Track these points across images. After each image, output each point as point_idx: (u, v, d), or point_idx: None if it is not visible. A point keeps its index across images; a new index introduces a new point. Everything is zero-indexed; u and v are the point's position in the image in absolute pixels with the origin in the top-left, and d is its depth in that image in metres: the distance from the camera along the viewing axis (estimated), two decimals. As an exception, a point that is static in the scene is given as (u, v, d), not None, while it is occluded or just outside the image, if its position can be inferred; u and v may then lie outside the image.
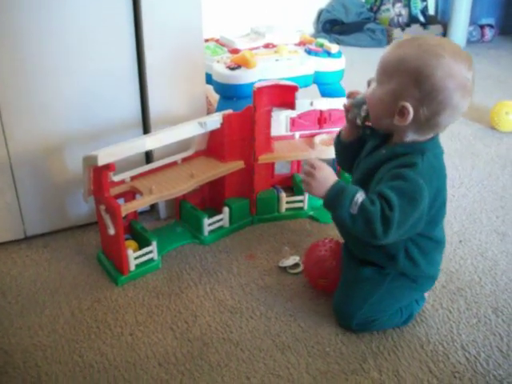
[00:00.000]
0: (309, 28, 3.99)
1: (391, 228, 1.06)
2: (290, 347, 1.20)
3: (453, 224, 1.63)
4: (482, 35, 3.84)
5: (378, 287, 1.21)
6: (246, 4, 3.59)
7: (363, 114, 1.18)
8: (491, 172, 1.99)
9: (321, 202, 1.42)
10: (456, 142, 2.23)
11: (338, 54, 1.89)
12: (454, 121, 1.11)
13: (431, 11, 4.05)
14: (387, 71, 1.11)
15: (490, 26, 3.88)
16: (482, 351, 1.19)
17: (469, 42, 3.75)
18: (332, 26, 3.90)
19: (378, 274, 1.22)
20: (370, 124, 1.21)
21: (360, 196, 1.07)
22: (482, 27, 3.84)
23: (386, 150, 1.17)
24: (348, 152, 1.30)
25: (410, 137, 1.13)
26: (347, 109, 1.23)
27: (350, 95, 1.25)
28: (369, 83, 1.17)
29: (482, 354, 1.19)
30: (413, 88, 1.07)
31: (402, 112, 1.09)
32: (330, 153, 1.60)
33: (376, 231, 1.06)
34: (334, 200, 1.09)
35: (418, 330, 1.25)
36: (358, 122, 1.20)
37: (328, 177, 1.11)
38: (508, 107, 2.29)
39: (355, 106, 1.20)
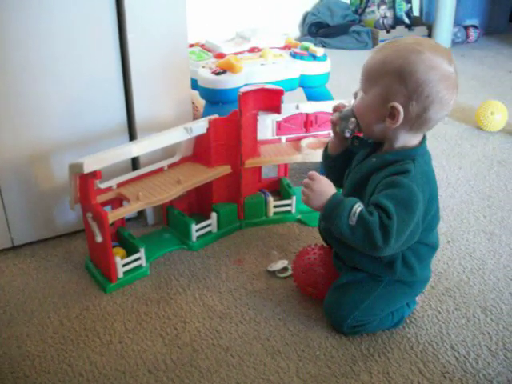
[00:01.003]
0: (294, 31, 4.00)
1: (391, 237, 1.06)
2: (279, 351, 1.20)
3: (440, 225, 1.62)
4: (467, 36, 3.85)
5: (372, 292, 1.21)
6: (231, 8, 3.59)
7: (351, 126, 1.19)
8: (478, 172, 1.99)
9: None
10: (442, 142, 2.23)
11: (324, 57, 1.89)
12: (444, 116, 1.12)
13: (416, 13, 4.07)
14: (371, 77, 1.12)
15: (475, 26, 3.90)
16: (472, 351, 1.20)
17: (454, 43, 3.77)
18: (318, 29, 3.90)
19: (372, 279, 1.22)
20: (358, 134, 1.21)
21: (358, 207, 1.08)
22: (466, 28, 3.86)
23: (377, 158, 1.17)
24: (337, 164, 1.30)
25: (402, 140, 1.14)
26: (334, 123, 1.24)
27: (336, 109, 1.25)
28: (355, 95, 1.18)
29: (471, 353, 1.19)
30: (399, 87, 1.08)
31: (393, 113, 1.09)
32: (317, 156, 1.61)
33: (376, 241, 1.06)
34: (332, 212, 1.10)
35: (408, 332, 1.25)
36: (347, 134, 1.21)
37: (326, 189, 1.13)
38: (493, 107, 2.31)
39: (343, 119, 1.21)
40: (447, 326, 1.27)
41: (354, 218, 1.07)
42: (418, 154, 1.14)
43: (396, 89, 1.08)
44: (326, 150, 1.33)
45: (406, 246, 1.13)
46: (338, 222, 1.08)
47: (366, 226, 1.06)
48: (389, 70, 1.08)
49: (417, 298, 1.31)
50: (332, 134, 1.28)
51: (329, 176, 1.33)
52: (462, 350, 1.20)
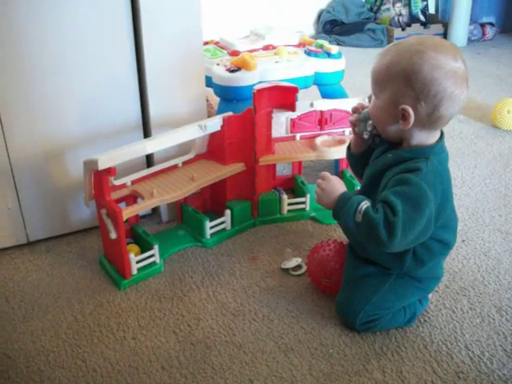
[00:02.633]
0: (309, 29, 3.99)
1: (396, 234, 1.06)
2: (292, 349, 1.20)
3: (455, 223, 1.63)
4: (483, 34, 3.83)
5: (382, 285, 1.21)
6: (245, 5, 3.59)
7: (369, 128, 1.21)
8: (493, 171, 1.98)
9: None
10: (458, 141, 2.22)
11: (338, 55, 1.88)
12: (456, 111, 1.12)
13: (432, 10, 4.04)
14: (379, 82, 1.13)
15: (491, 24, 3.87)
16: (486, 351, 1.19)
17: (470, 40, 3.75)
18: (332, 27, 3.89)
19: (381, 272, 1.23)
20: (377, 133, 1.23)
21: (364, 204, 1.11)
22: (482, 26, 3.83)
23: (393, 154, 1.18)
24: (361, 162, 1.30)
25: (417, 138, 1.14)
26: (354, 123, 1.26)
27: (355, 110, 1.27)
28: (369, 98, 1.20)
29: (485, 353, 1.18)
30: (406, 89, 1.08)
31: (404, 116, 1.10)
32: (331, 154, 1.61)
33: (380, 237, 1.07)
34: (340, 209, 1.15)
35: (422, 331, 1.25)
36: (365, 136, 1.23)
37: (336, 188, 1.18)
38: (510, 105, 2.28)
39: (361, 120, 1.23)
40: (461, 326, 1.26)
41: (359, 215, 1.10)
42: (433, 152, 1.14)
43: (404, 92, 1.09)
44: (349, 148, 1.34)
45: (417, 243, 1.14)
46: (345, 218, 1.13)
47: (369, 223, 1.09)
48: (394, 74, 1.09)
49: (430, 296, 1.31)
50: (353, 134, 1.30)
51: (354, 172, 1.38)
52: (476, 350, 1.19)
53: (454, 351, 1.19)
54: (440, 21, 3.94)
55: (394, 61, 1.10)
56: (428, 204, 1.08)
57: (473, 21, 3.75)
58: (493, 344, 1.20)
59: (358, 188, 1.37)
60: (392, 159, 1.16)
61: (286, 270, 1.44)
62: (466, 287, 1.38)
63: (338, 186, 1.18)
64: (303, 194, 1.66)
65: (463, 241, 1.56)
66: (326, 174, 1.20)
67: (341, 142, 1.66)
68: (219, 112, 1.67)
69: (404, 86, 1.08)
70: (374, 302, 1.21)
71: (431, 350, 1.19)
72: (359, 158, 1.31)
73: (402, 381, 1.12)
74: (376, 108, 1.16)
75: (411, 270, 1.20)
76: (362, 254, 1.25)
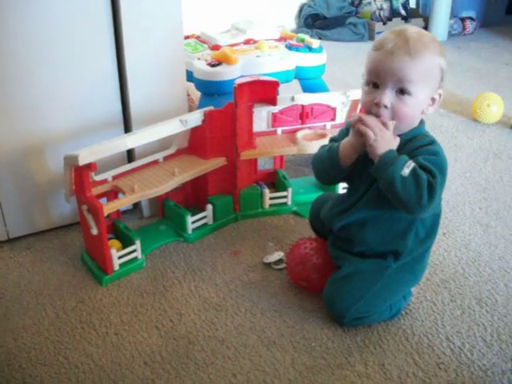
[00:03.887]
0: (290, 23, 3.99)
1: (435, 195, 1.10)
2: (275, 343, 1.21)
3: (436, 216, 1.64)
4: (464, 28, 3.85)
5: (377, 281, 1.22)
6: (226, 0, 3.58)
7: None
8: (474, 164, 2.00)
9: (304, 196, 1.42)
10: (439, 134, 2.23)
11: (319, 49, 1.89)
12: None
13: (412, 5, 4.05)
14: (419, 81, 1.13)
15: (471, 18, 3.89)
16: (467, 342, 1.20)
17: (450, 35, 3.77)
18: (314, 21, 3.90)
19: (376, 268, 1.23)
20: None
21: (412, 162, 1.11)
22: (463, 20, 3.85)
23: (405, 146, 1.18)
24: (345, 175, 1.27)
25: (417, 121, 1.20)
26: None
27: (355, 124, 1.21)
28: (383, 105, 1.13)
29: (466, 344, 1.19)
30: (440, 78, 1.16)
31: (434, 100, 1.18)
32: (313, 148, 1.61)
33: (422, 197, 1.09)
34: (390, 159, 1.11)
35: (403, 323, 1.26)
36: None
37: (392, 141, 1.14)
38: (489, 99, 2.31)
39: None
40: (442, 318, 1.27)
41: (407, 170, 1.09)
42: (424, 129, 1.21)
43: (438, 80, 1.16)
44: (337, 162, 1.24)
45: (434, 211, 1.18)
46: (393, 169, 1.09)
47: (417, 180, 1.09)
48: (433, 69, 1.15)
49: (412, 290, 1.32)
50: (348, 149, 1.21)
51: (327, 182, 1.40)
52: (457, 341, 1.20)
53: (435, 343, 1.20)
54: (421, 15, 3.95)
55: (429, 58, 1.13)
56: (447, 172, 1.15)
57: (453, 15, 3.78)
58: (473, 335, 1.22)
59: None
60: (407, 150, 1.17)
61: (268, 264, 1.44)
62: (447, 279, 1.39)
63: (393, 140, 1.14)
64: (285, 188, 1.66)
65: (444, 233, 1.57)
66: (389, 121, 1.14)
67: (322, 136, 1.66)
68: (200, 107, 1.67)
69: (440, 77, 1.16)
70: (367, 299, 1.21)
71: (412, 342, 1.21)
72: (347, 170, 1.24)
73: (384, 373, 1.13)
74: (413, 105, 1.15)
75: (412, 250, 1.22)
76: (357, 244, 1.25)
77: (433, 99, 1.17)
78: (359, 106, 1.61)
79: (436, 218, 1.24)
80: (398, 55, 1.11)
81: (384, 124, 1.12)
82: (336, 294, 1.24)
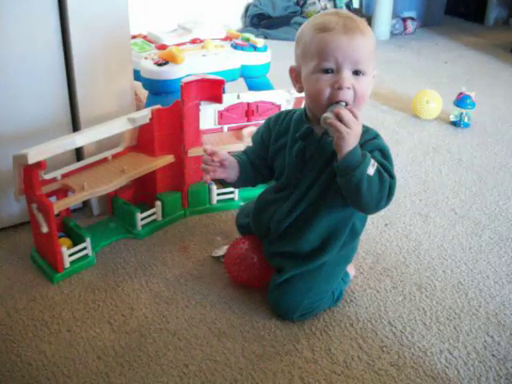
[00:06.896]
0: (237, 23, 4.02)
1: (392, 197, 1.12)
2: (225, 333, 1.24)
3: (379, 208, 1.70)
4: (405, 28, 3.95)
5: (315, 280, 1.25)
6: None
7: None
8: (414, 158, 2.07)
9: (251, 192, 1.45)
10: (381, 130, 2.22)
11: (264, 48, 1.93)
12: None
13: (356, 5, 4.14)
14: (370, 59, 1.13)
15: (412, 18, 4.00)
16: (408, 325, 1.26)
17: (392, 34, 3.86)
18: (260, 21, 3.94)
19: (315, 267, 1.25)
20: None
21: (375, 162, 1.09)
22: (404, 20, 3.95)
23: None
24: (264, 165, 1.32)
25: None
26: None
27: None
28: (342, 87, 1.09)
29: (407, 328, 1.25)
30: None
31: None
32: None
33: (383, 198, 1.11)
34: (358, 157, 1.07)
35: (348, 310, 1.31)
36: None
37: (359, 134, 1.09)
38: (428, 96, 2.39)
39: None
40: (385, 304, 1.33)
41: (372, 169, 1.07)
42: None
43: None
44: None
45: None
46: (361, 167, 1.06)
47: (381, 181, 1.09)
48: (375, 45, 1.15)
49: (350, 272, 1.37)
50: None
51: (256, 183, 1.38)
52: (398, 325, 1.26)
53: (378, 327, 1.25)
54: (364, 15, 4.03)
55: (372, 35, 1.14)
56: None
57: (395, 15, 3.88)
58: (414, 319, 1.28)
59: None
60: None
61: (217, 258, 1.47)
62: (389, 268, 1.45)
63: (359, 136, 1.08)
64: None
65: (386, 224, 1.63)
66: (359, 114, 1.08)
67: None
68: (148, 105, 1.68)
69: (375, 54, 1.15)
70: (310, 297, 1.24)
71: (357, 327, 1.26)
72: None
73: (330, 357, 1.17)
74: (367, 84, 1.13)
75: (347, 242, 1.26)
76: (296, 247, 1.25)
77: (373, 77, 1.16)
78: (303, 103, 1.66)
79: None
80: (353, 35, 1.09)
81: (356, 117, 1.06)
82: (280, 299, 1.26)
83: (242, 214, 1.46)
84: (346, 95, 1.09)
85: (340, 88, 1.09)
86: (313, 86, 1.13)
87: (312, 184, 1.21)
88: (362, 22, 1.14)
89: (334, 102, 1.10)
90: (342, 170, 1.09)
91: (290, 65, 1.22)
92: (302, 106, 1.29)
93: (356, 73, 1.10)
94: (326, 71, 1.10)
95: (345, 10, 1.16)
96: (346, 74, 1.09)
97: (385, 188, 1.10)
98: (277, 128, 1.28)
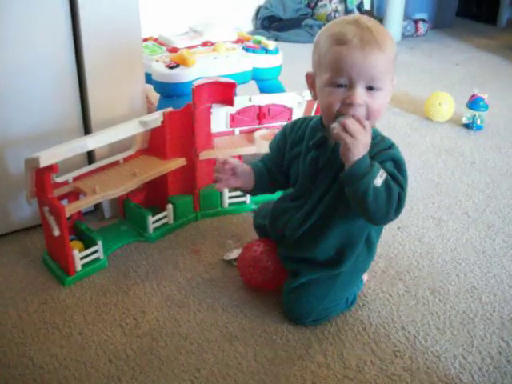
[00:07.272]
0: (247, 25, 4.02)
1: (402, 209, 1.11)
2: (237, 337, 1.23)
3: (391, 212, 1.69)
4: (416, 29, 3.93)
5: (332, 287, 1.24)
6: (184, 2, 3.58)
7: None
8: (426, 161, 2.06)
9: (263, 195, 1.44)
10: (393, 132, 2.29)
11: (276, 51, 1.92)
12: None
13: (367, 6, 4.13)
14: (387, 74, 1.10)
15: (424, 20, 3.98)
16: (421, 330, 1.25)
17: (404, 36, 3.85)
18: (270, 23, 3.93)
19: (331, 275, 1.24)
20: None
21: (384, 172, 1.07)
22: (415, 22, 3.93)
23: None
24: (279, 171, 1.32)
25: None
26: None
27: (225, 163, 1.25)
28: (353, 104, 1.08)
29: (420, 332, 1.24)
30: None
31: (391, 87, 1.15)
32: (270, 147, 1.64)
33: (391, 210, 1.09)
34: (365, 167, 1.06)
35: (361, 314, 1.30)
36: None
37: (368, 144, 1.08)
38: (441, 98, 2.38)
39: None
40: (398, 308, 1.32)
41: (380, 180, 1.05)
42: (376, 127, 1.18)
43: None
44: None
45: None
46: (368, 179, 1.05)
47: (389, 192, 1.07)
48: (395, 56, 1.12)
49: (363, 277, 1.36)
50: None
51: (275, 189, 1.38)
52: (411, 330, 1.25)
53: (391, 332, 1.24)
54: (375, 17, 4.03)
55: (393, 46, 1.11)
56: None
57: (406, 17, 3.86)
58: (427, 323, 1.27)
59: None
60: None
61: (229, 262, 1.47)
62: (402, 272, 1.44)
63: (368, 145, 1.07)
64: (244, 188, 1.69)
65: (399, 228, 1.62)
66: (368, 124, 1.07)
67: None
68: (159, 108, 1.68)
69: (393, 64, 1.13)
70: (325, 303, 1.24)
71: (370, 332, 1.25)
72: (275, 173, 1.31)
73: (342, 362, 1.17)
74: (382, 99, 1.11)
75: (363, 251, 1.25)
76: (310, 254, 1.25)
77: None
78: (315, 106, 1.65)
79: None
80: (370, 51, 1.06)
81: (364, 127, 1.05)
82: (295, 303, 1.26)
83: (259, 215, 1.46)
84: (357, 111, 1.08)
85: (351, 105, 1.07)
86: (325, 99, 1.12)
87: (324, 194, 1.20)
88: (382, 32, 1.09)
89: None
90: (347, 179, 1.08)
91: (307, 71, 1.20)
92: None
93: (370, 88, 1.08)
94: (339, 85, 1.08)
95: (366, 18, 1.10)
96: (359, 92, 1.07)
97: (393, 199, 1.08)
98: (292, 136, 1.27)
